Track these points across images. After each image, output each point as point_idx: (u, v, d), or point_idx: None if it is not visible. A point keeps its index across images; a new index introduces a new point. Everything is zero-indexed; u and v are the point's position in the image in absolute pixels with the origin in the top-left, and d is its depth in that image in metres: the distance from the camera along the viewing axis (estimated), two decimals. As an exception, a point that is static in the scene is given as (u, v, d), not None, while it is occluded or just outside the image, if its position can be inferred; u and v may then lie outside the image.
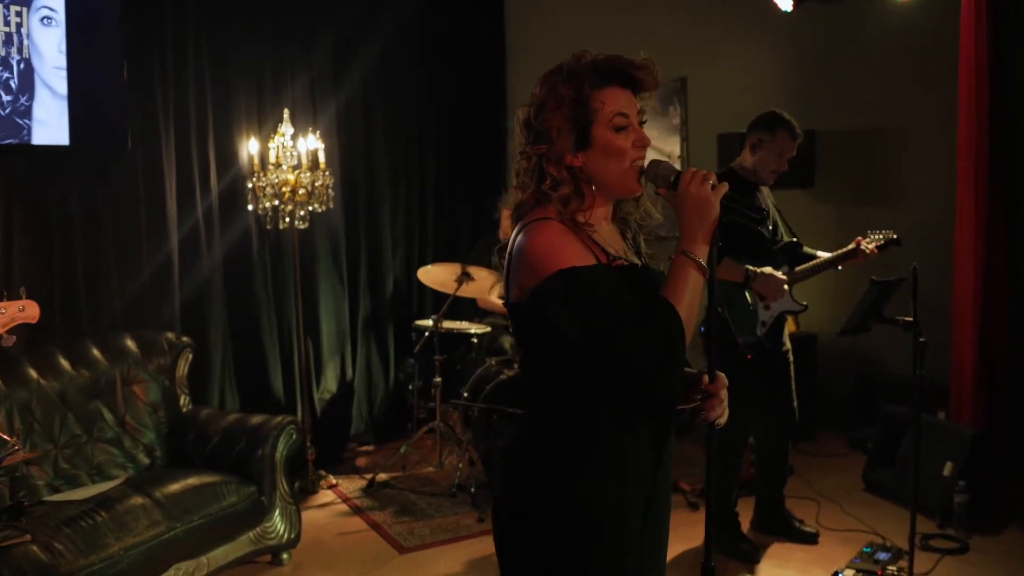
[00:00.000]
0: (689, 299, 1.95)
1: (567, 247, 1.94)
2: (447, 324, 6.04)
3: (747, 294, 4.38)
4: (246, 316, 6.08)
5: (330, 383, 6.61)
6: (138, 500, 3.98)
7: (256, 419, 4.64)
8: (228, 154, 5.97)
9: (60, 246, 5.16)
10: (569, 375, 1.96)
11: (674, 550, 4.47)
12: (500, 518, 2.08)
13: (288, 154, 5.57)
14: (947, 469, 4.83)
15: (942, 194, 5.55)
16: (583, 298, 1.87)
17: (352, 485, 5.82)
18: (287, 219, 5.57)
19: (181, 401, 4.90)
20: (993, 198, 5.12)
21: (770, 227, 4.48)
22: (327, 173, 5.65)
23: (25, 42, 4.80)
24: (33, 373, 4.40)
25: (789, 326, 4.76)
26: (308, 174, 5.56)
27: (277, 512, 4.51)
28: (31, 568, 3.45)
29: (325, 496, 5.65)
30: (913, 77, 5.92)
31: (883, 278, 4.17)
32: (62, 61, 4.96)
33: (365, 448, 6.71)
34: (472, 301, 6.38)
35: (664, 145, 6.89)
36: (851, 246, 4.44)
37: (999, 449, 5.05)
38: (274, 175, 5.48)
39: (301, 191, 5.52)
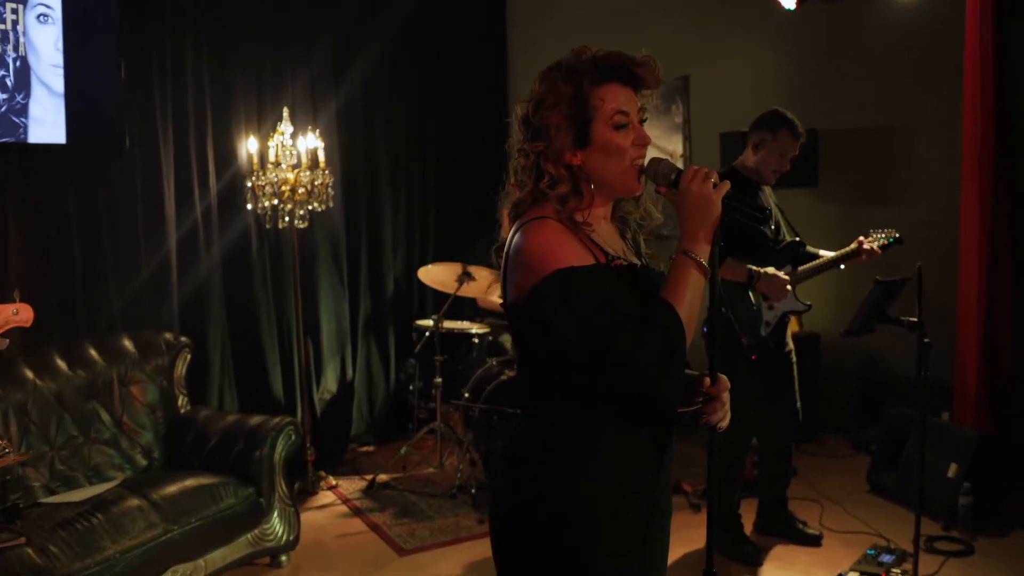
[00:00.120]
0: (690, 299, 1.91)
1: (565, 247, 1.90)
2: (448, 324, 6.02)
3: (751, 294, 4.34)
4: (245, 316, 6.06)
5: (330, 383, 6.58)
6: (135, 502, 3.95)
7: (255, 420, 4.61)
8: (227, 153, 5.94)
9: (57, 246, 5.14)
10: (567, 376, 1.93)
11: (676, 552, 4.43)
12: (499, 518, 2.06)
13: (288, 153, 5.54)
14: (951, 471, 4.79)
15: (946, 193, 5.51)
16: (581, 298, 1.84)
17: (352, 486, 5.79)
18: (286, 218, 5.55)
19: (179, 402, 4.87)
20: (998, 197, 5.08)
21: (772, 227, 4.44)
22: (327, 172, 5.62)
23: (21, 39, 4.78)
24: (29, 374, 4.37)
25: (792, 326, 4.72)
26: (308, 173, 5.53)
27: (276, 514, 4.48)
28: (26, 571, 3.42)
29: (325, 497, 5.62)
30: (916, 76, 5.89)
31: (887, 278, 4.14)
32: (59, 59, 4.93)
33: (365, 449, 6.68)
34: (473, 301, 6.35)
35: (666, 144, 6.86)
36: (853, 246, 4.41)
37: (1004, 450, 5.00)
38: (273, 174, 5.46)
39: (301, 190, 5.50)
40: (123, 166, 5.40)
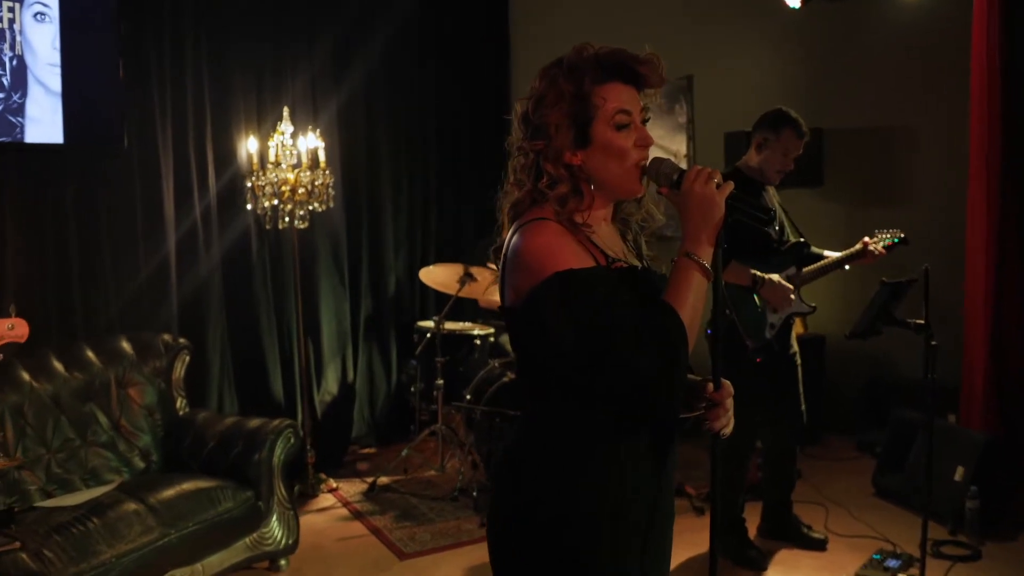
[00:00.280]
0: (692, 302, 1.87)
1: (564, 248, 1.86)
2: (449, 325, 6.00)
3: (755, 296, 4.30)
4: (245, 317, 6.03)
5: (331, 385, 6.55)
6: (131, 506, 3.91)
7: (254, 423, 4.56)
8: (227, 153, 5.91)
9: (54, 246, 5.12)
10: (566, 378, 1.89)
11: (679, 556, 4.36)
12: (499, 520, 2.03)
13: (288, 153, 5.51)
14: (958, 474, 4.75)
15: (952, 193, 5.47)
16: (580, 301, 1.80)
17: (353, 489, 5.75)
18: (287, 219, 5.52)
19: (178, 404, 4.83)
20: (1005, 197, 5.03)
21: (776, 228, 4.40)
22: (327, 172, 5.59)
23: (18, 38, 4.75)
24: (26, 376, 4.34)
25: (797, 328, 4.70)
26: (308, 173, 5.50)
27: (274, 517, 4.43)
28: (20, 576, 3.38)
29: (325, 500, 5.59)
30: (922, 75, 5.85)
31: (893, 279, 4.10)
32: (56, 58, 4.91)
33: (366, 451, 6.65)
34: (475, 302, 6.31)
35: (670, 144, 6.82)
36: (858, 246, 4.37)
37: (1011, 453, 4.95)
38: (273, 174, 5.43)
39: (301, 190, 5.46)
40: (121, 166, 5.38)
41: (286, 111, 5.64)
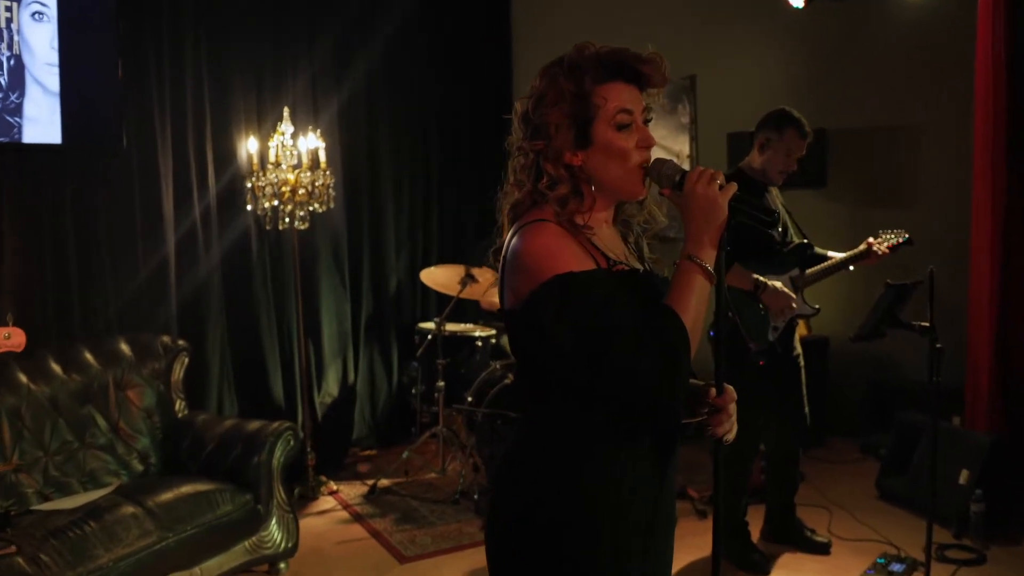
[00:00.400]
0: (695, 306, 1.84)
1: (564, 251, 1.83)
2: (450, 327, 5.97)
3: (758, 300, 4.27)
4: (245, 318, 5.99)
5: (331, 387, 6.51)
6: (129, 509, 3.87)
7: (253, 425, 4.53)
8: (226, 153, 5.88)
9: (52, 247, 5.09)
10: (566, 381, 1.87)
11: (681, 560, 4.37)
12: (499, 522, 2.00)
13: (288, 153, 5.48)
14: (963, 477, 4.71)
15: (957, 193, 5.45)
16: (580, 303, 1.77)
17: (353, 491, 5.72)
18: (287, 219, 5.48)
19: (177, 406, 4.80)
20: (1011, 197, 5.00)
21: (780, 229, 4.37)
22: (328, 172, 5.55)
23: (15, 38, 4.72)
24: (23, 378, 4.31)
25: (800, 329, 4.66)
26: (308, 173, 5.46)
27: (274, 521, 4.40)
28: (15, 581, 3.35)
29: (325, 503, 5.55)
30: (927, 74, 5.83)
31: (898, 281, 4.07)
32: (54, 57, 4.88)
33: (367, 453, 6.62)
34: (476, 303, 6.28)
35: (673, 145, 6.79)
36: (862, 247, 4.35)
37: (1017, 456, 4.92)
38: (274, 175, 5.39)
39: (301, 191, 5.43)
40: (120, 166, 5.35)
41: (286, 111, 5.61)
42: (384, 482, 5.77)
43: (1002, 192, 4.99)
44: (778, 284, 4.21)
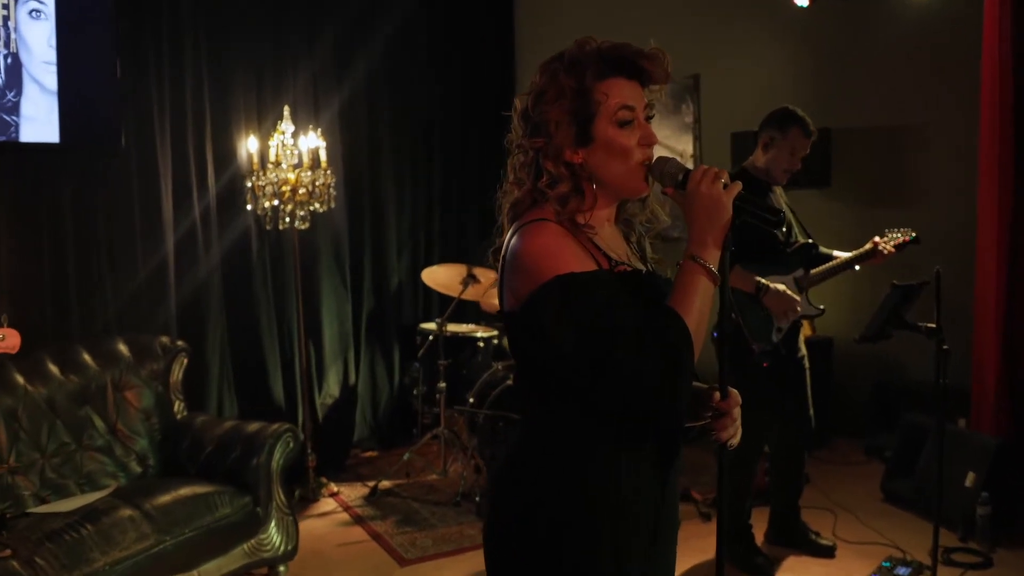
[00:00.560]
0: (698, 308, 1.80)
1: (565, 251, 1.79)
2: (452, 327, 5.94)
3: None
4: (245, 319, 5.97)
5: (332, 388, 6.48)
6: (126, 512, 3.83)
7: (252, 427, 4.49)
8: (226, 152, 5.85)
9: (50, 247, 5.07)
10: (567, 382, 1.83)
11: (685, 563, 4.34)
12: (499, 524, 1.98)
13: (288, 152, 5.44)
14: (969, 479, 4.67)
15: (963, 193, 5.41)
16: (581, 305, 1.73)
17: (354, 493, 5.68)
18: (287, 219, 5.45)
19: (175, 407, 4.76)
20: (1017, 196, 4.96)
21: (784, 229, 4.32)
22: (328, 172, 5.52)
23: (12, 36, 4.69)
24: (20, 379, 4.26)
25: (804, 330, 4.62)
26: (309, 173, 5.43)
27: (273, 523, 4.36)
28: (10, 585, 3.32)
29: (326, 504, 5.52)
30: (932, 73, 5.78)
31: (904, 282, 4.03)
32: (52, 56, 4.85)
33: (368, 454, 6.59)
34: (478, 303, 6.25)
35: (676, 144, 6.76)
36: (868, 246, 4.31)
37: (1023, 458, 4.87)
38: (274, 174, 5.37)
39: (302, 190, 5.40)
40: (119, 166, 5.33)
41: (287, 110, 5.58)
42: (385, 484, 5.74)
43: (1008, 191, 4.94)
44: (782, 285, 4.17)
